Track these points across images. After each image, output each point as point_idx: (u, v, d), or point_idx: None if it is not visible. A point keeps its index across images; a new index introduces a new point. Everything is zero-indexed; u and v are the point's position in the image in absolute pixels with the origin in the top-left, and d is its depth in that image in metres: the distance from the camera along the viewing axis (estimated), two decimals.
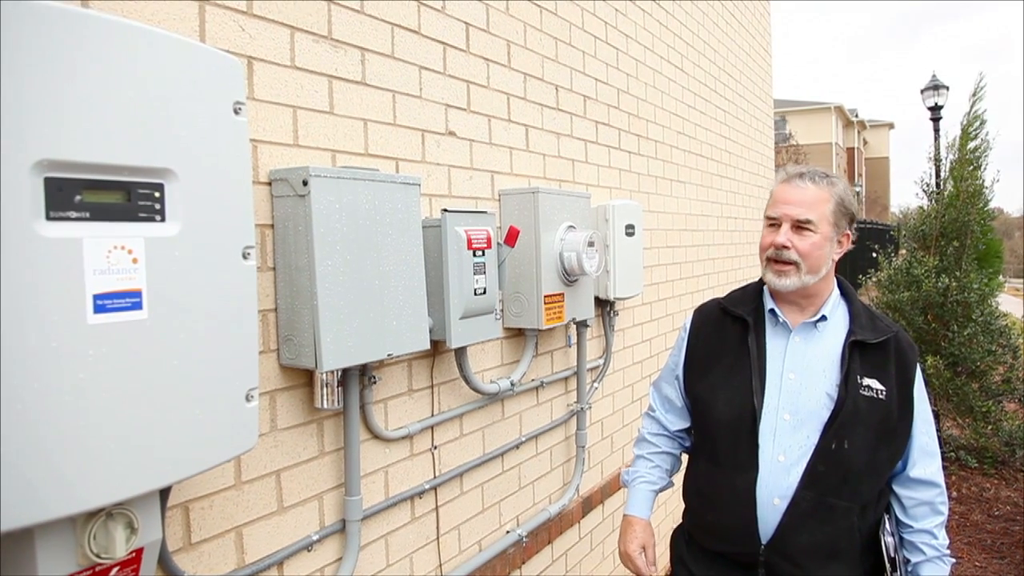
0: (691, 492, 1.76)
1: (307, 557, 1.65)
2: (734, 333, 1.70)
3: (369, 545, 1.83)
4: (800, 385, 1.60)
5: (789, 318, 1.66)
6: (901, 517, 1.63)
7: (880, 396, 1.56)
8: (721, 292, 5.18)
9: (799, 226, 1.59)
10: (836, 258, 1.65)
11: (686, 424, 1.85)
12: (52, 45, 0.88)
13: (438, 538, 2.09)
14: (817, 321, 1.64)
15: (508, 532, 2.41)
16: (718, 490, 1.64)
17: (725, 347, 1.71)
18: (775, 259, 1.60)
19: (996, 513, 4.63)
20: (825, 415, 1.56)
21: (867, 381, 1.57)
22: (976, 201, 5.73)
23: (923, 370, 1.68)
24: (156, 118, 0.99)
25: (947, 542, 1.62)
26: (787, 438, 1.57)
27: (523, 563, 2.49)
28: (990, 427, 5.40)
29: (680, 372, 1.81)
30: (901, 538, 1.63)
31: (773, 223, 1.63)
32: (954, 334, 5.52)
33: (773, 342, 1.66)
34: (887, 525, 1.60)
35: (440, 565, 2.09)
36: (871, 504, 1.60)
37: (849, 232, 1.65)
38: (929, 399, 1.67)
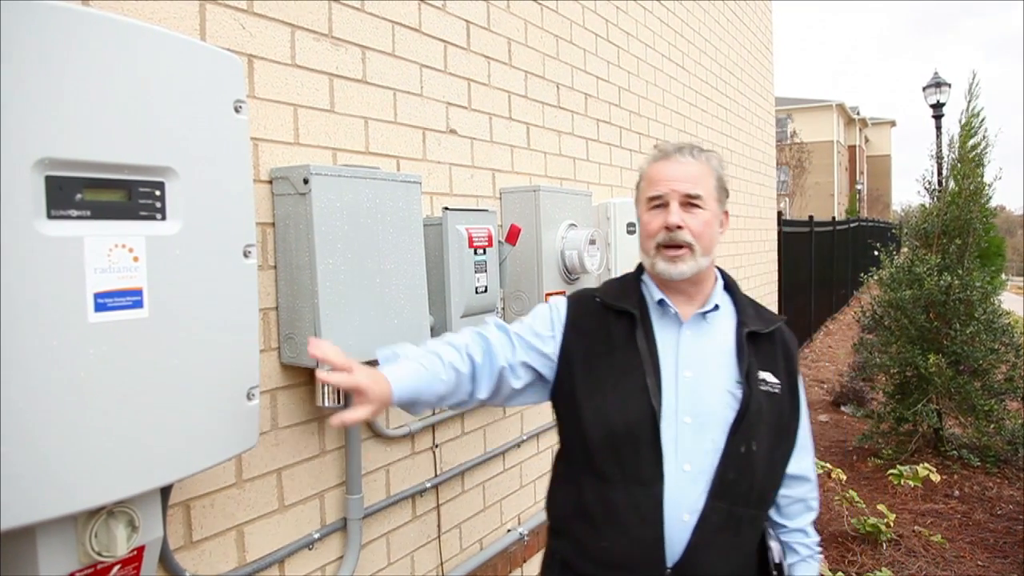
0: (571, 516, 1.45)
1: (308, 555, 1.65)
2: (620, 329, 1.47)
3: (370, 544, 1.83)
4: (698, 383, 1.42)
5: (679, 309, 1.48)
6: (776, 517, 1.51)
7: (775, 390, 1.45)
8: None
9: (689, 203, 1.43)
10: (719, 240, 1.53)
11: (491, 382, 1.45)
12: (53, 44, 0.88)
13: (439, 536, 2.09)
14: (707, 312, 1.48)
15: (509, 531, 2.41)
16: (614, 510, 1.38)
17: (611, 345, 1.46)
18: (667, 244, 1.43)
19: (999, 512, 4.62)
20: (730, 415, 1.40)
21: (763, 375, 1.45)
22: (978, 199, 5.72)
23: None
24: (157, 116, 1.00)
25: (817, 538, 1.54)
26: (691, 444, 1.38)
27: (524, 561, 2.49)
28: (992, 426, 5.38)
29: (551, 362, 1.50)
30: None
31: (657, 204, 1.45)
32: (956, 332, 5.51)
33: (663, 337, 1.46)
34: (771, 529, 1.50)
35: (441, 564, 2.09)
36: (769, 509, 1.50)
37: (727, 211, 1.53)
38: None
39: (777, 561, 1.46)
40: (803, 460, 1.52)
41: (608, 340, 1.47)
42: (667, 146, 1.50)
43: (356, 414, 1.18)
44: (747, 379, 1.43)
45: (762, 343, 1.50)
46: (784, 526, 1.53)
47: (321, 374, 1.20)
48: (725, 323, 1.50)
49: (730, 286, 1.56)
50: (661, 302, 1.48)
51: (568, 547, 1.46)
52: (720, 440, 1.39)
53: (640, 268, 1.56)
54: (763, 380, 1.44)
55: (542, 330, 1.50)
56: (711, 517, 1.36)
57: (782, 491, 1.51)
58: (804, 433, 1.52)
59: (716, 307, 1.49)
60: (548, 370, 1.49)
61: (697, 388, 1.42)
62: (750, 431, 1.40)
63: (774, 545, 1.47)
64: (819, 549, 1.55)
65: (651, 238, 1.45)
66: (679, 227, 1.41)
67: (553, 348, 1.49)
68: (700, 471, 1.38)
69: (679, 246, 1.42)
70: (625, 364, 1.43)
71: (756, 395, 1.42)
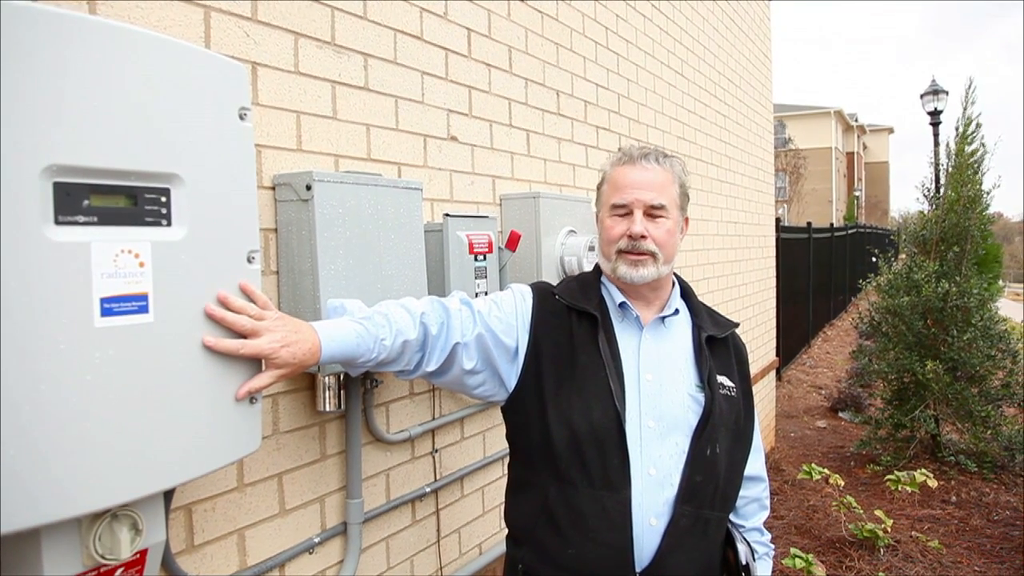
0: (534, 523, 1.40)
1: (308, 559, 1.65)
2: (582, 330, 1.44)
3: (370, 548, 1.84)
4: (660, 387, 1.42)
5: (639, 313, 1.48)
6: (732, 518, 1.54)
7: (732, 394, 1.48)
8: (720, 296, 5.11)
9: (652, 213, 1.43)
10: (680, 246, 1.54)
11: (442, 355, 1.38)
12: (60, 51, 0.89)
13: (438, 541, 2.09)
14: (665, 316, 1.49)
15: None
16: (581, 516, 1.35)
17: (573, 347, 1.43)
18: (630, 250, 1.43)
19: (995, 518, 4.63)
20: (693, 419, 1.41)
21: (720, 379, 1.47)
22: (976, 206, 5.75)
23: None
24: (163, 123, 1.01)
25: (770, 536, 1.61)
26: (655, 448, 1.37)
27: None
28: (989, 432, 5.41)
29: (509, 354, 1.44)
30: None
31: (621, 211, 1.45)
32: (954, 339, 5.53)
33: (624, 340, 1.45)
34: (737, 531, 1.51)
35: (440, 568, 2.10)
36: (731, 511, 1.53)
37: (688, 216, 1.54)
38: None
39: (744, 562, 1.47)
40: (757, 461, 1.59)
41: (571, 341, 1.43)
42: (632, 150, 1.49)
43: (257, 381, 1.12)
44: (708, 383, 1.44)
45: (718, 348, 1.52)
46: (741, 526, 1.56)
47: (208, 340, 1.06)
48: (682, 328, 1.52)
49: (686, 292, 1.58)
50: (623, 305, 1.48)
51: (531, 555, 1.41)
52: (684, 444, 1.40)
53: (598, 269, 1.56)
54: (721, 384, 1.46)
55: (507, 318, 1.45)
56: (680, 521, 1.35)
57: (741, 492, 1.55)
58: (757, 435, 1.59)
59: (676, 311, 1.50)
60: (505, 363, 1.44)
61: (658, 392, 1.42)
62: (714, 434, 1.42)
63: (742, 548, 1.49)
64: (772, 547, 1.63)
65: (612, 243, 1.45)
66: (643, 237, 1.41)
67: (513, 341, 1.43)
68: (665, 475, 1.37)
69: (642, 253, 1.42)
70: (588, 367, 1.40)
71: (717, 399, 1.44)
